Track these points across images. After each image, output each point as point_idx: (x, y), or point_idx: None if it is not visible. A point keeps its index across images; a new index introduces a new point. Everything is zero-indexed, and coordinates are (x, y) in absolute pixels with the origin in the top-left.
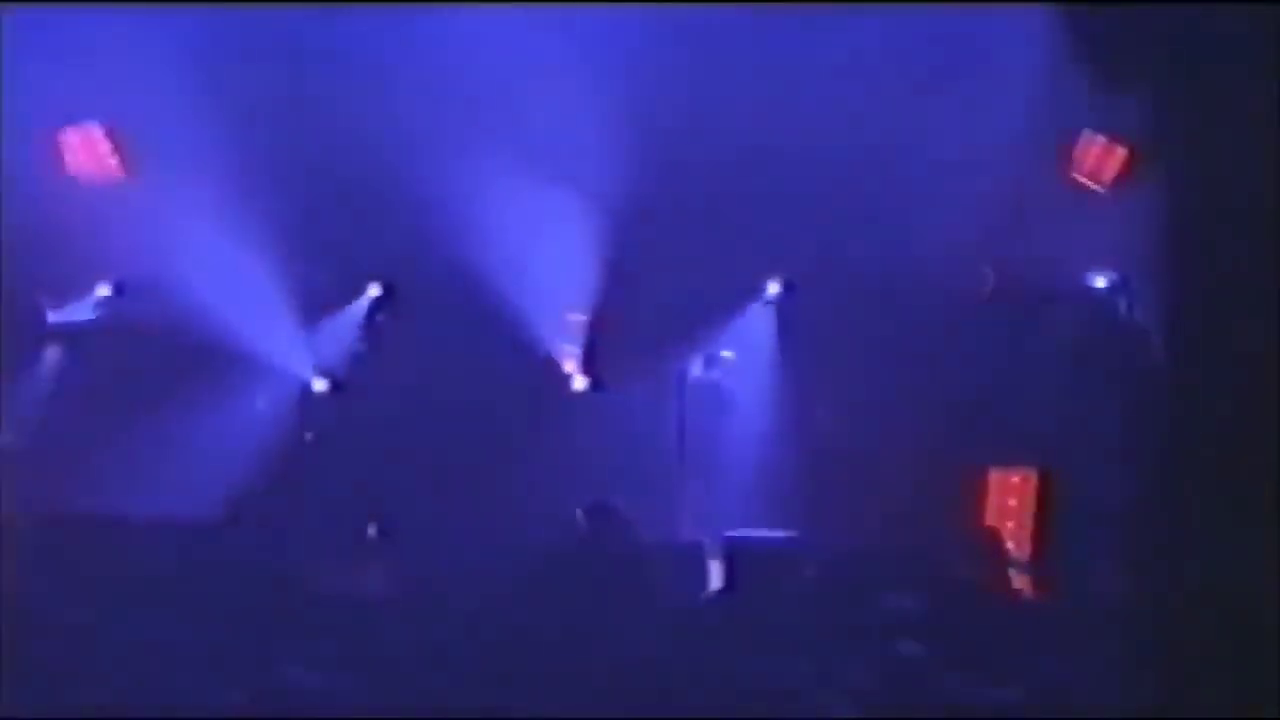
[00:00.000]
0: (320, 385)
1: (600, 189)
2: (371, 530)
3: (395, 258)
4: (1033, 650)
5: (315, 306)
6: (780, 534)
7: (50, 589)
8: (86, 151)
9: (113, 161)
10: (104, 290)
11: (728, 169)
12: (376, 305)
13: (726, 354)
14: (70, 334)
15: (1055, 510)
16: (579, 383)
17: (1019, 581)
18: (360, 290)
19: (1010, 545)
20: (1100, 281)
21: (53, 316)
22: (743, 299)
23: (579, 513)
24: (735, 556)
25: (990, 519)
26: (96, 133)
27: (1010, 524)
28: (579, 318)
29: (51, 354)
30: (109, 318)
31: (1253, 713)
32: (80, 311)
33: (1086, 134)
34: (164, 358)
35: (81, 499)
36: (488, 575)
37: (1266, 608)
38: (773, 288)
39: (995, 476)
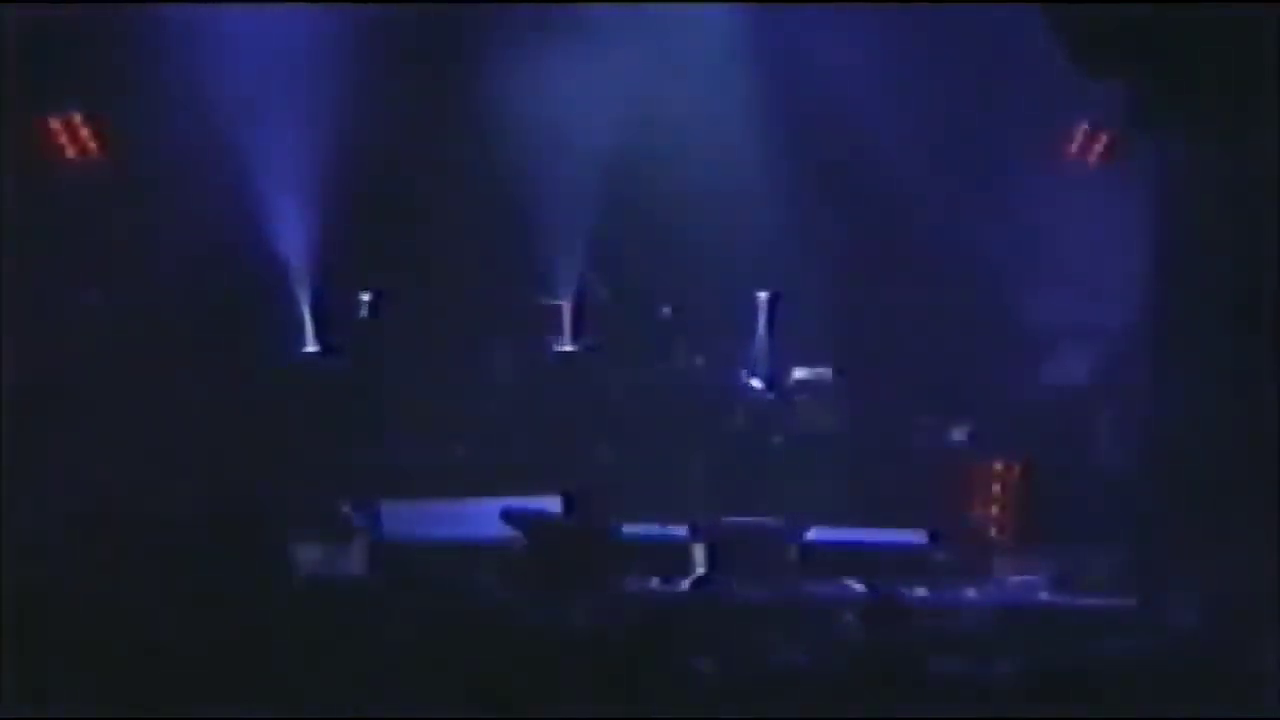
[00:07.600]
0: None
1: (594, 186)
2: (347, 509)
3: (387, 255)
4: (1024, 636)
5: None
6: (764, 519)
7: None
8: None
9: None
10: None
11: (723, 167)
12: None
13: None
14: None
15: (1048, 503)
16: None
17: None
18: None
19: (994, 531)
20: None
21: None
22: (735, 292)
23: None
24: (719, 541)
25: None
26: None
27: (995, 509)
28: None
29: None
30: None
31: (1253, 712)
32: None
33: (1080, 126)
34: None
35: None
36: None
37: (1266, 607)
38: (766, 291)
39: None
